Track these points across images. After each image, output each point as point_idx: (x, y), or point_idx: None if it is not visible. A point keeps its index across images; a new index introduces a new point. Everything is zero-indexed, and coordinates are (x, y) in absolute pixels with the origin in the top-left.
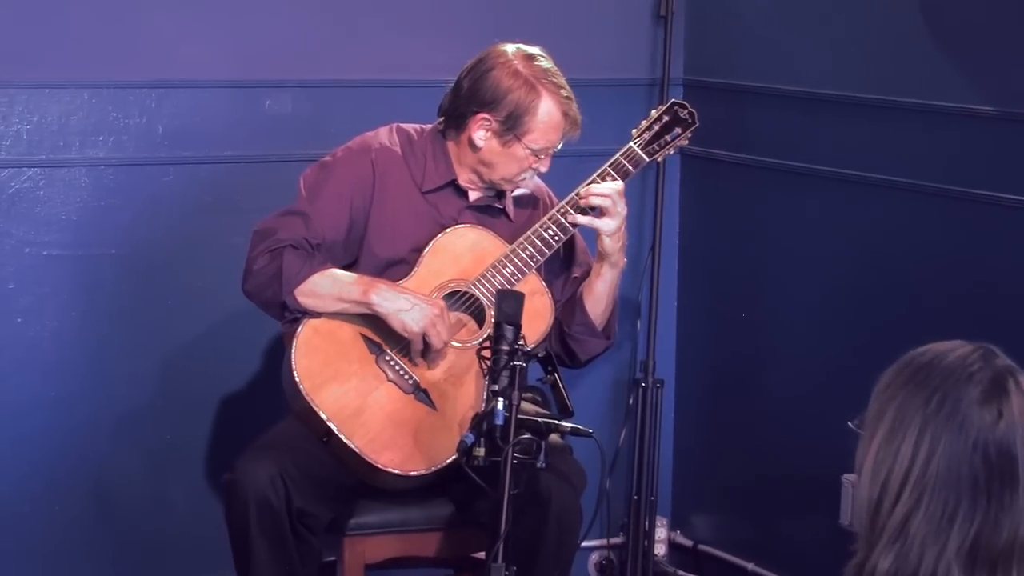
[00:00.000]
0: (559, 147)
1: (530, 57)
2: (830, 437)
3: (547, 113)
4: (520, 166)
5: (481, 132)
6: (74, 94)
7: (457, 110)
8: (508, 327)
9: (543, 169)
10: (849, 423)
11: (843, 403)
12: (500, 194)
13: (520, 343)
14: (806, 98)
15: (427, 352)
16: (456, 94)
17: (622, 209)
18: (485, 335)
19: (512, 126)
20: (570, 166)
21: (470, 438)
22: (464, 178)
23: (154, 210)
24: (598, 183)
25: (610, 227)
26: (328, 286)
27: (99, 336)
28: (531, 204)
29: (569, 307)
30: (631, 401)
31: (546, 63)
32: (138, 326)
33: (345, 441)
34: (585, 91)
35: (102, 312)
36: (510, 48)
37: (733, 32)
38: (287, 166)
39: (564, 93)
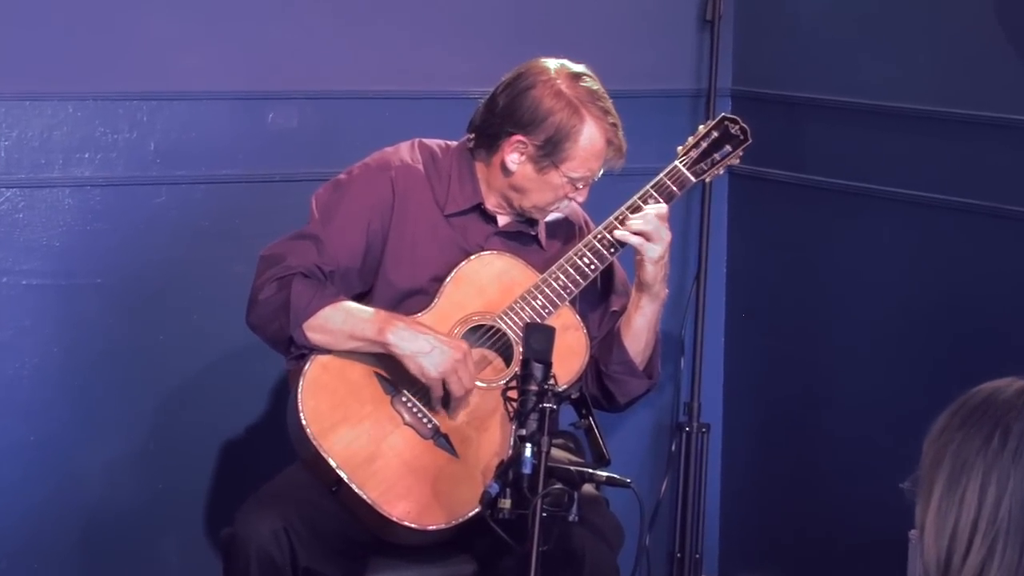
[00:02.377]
0: (599, 176)
1: (575, 76)
2: (894, 489)
3: (589, 140)
4: (555, 195)
5: (515, 155)
6: (57, 107)
7: (490, 129)
8: (537, 365)
9: (579, 200)
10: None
11: (909, 451)
12: (532, 220)
13: (550, 383)
14: (869, 111)
15: (447, 399)
16: (490, 111)
17: (666, 235)
18: (512, 374)
19: (550, 152)
20: (610, 186)
21: (495, 488)
22: (492, 202)
23: (145, 235)
24: (640, 206)
25: (654, 253)
26: (340, 321)
27: (85, 374)
28: (566, 230)
29: (607, 344)
30: (673, 448)
31: (593, 84)
32: (128, 363)
33: (356, 491)
34: (623, 103)
35: (88, 348)
36: (553, 64)
37: (787, 38)
38: (293, 186)
39: (611, 120)
